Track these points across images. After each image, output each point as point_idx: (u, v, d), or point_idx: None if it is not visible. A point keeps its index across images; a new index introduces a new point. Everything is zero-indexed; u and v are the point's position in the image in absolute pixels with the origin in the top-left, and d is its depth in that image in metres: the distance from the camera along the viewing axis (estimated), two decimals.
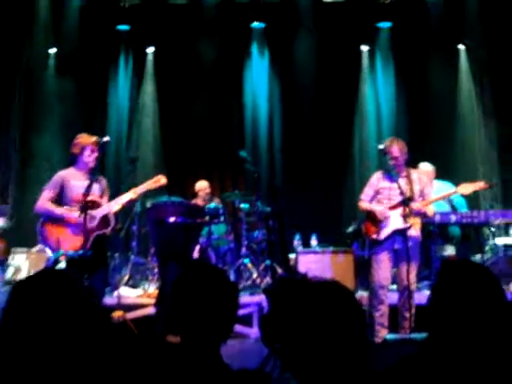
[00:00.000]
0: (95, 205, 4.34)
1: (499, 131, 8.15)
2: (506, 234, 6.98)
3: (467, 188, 4.67)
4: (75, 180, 4.42)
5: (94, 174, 4.42)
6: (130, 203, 4.70)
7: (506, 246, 6.46)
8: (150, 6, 8.16)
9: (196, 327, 1.61)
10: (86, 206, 4.12)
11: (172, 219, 3.64)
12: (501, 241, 6.59)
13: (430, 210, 4.66)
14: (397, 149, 4.61)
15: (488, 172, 7.98)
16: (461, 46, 8.57)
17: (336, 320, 1.37)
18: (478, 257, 6.24)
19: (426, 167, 6.16)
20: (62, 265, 4.05)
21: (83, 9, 7.96)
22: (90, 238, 4.24)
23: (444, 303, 1.57)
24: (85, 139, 4.44)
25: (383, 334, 4.48)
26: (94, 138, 4.43)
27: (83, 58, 8.03)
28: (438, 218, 5.82)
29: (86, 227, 4.07)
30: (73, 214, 4.29)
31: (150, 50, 8.65)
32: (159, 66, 8.57)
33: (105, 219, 4.36)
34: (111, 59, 8.55)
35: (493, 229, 6.48)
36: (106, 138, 4.52)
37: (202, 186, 6.95)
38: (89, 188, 4.20)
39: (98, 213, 4.32)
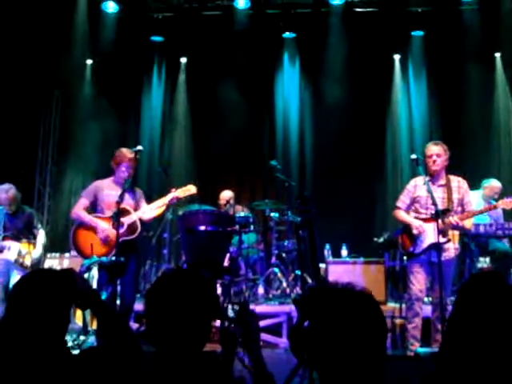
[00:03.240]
0: (125, 212, 4.46)
1: None
2: None
3: (508, 204, 4.56)
4: (109, 190, 4.63)
5: (128, 182, 4.55)
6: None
7: None
8: (183, 16, 8.32)
9: (170, 336, 1.54)
10: (119, 212, 4.25)
11: (203, 227, 3.67)
12: None
13: (469, 223, 4.47)
14: (441, 148, 4.47)
15: None
16: (497, 55, 8.42)
17: (361, 331, 1.35)
18: None
19: (495, 183, 6.06)
20: (95, 270, 4.14)
21: (119, 20, 8.16)
22: (116, 244, 4.37)
23: (464, 318, 1.54)
24: (123, 155, 4.61)
25: (416, 346, 4.40)
26: (132, 155, 4.57)
27: (118, 68, 8.23)
28: (477, 230, 5.68)
29: (118, 234, 4.19)
30: (99, 223, 4.49)
31: (183, 60, 8.81)
32: (192, 77, 8.72)
33: (132, 226, 4.51)
34: (145, 70, 8.74)
35: None
36: (139, 147, 4.65)
37: (225, 195, 6.90)
38: (122, 196, 4.33)
39: (126, 220, 4.45)
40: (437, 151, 4.48)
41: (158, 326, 1.55)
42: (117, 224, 4.22)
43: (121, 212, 4.31)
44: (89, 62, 8.65)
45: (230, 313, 2.63)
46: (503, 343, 1.46)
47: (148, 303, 1.59)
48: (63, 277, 1.74)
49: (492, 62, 8.43)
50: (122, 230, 4.37)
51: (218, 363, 1.66)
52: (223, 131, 8.10)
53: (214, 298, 1.64)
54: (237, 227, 4.83)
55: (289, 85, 8.75)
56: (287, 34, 8.51)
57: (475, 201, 5.41)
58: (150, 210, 4.63)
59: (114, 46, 7.99)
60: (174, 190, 4.69)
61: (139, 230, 4.53)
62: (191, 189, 4.74)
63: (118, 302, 4.33)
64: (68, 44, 7.84)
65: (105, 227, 4.47)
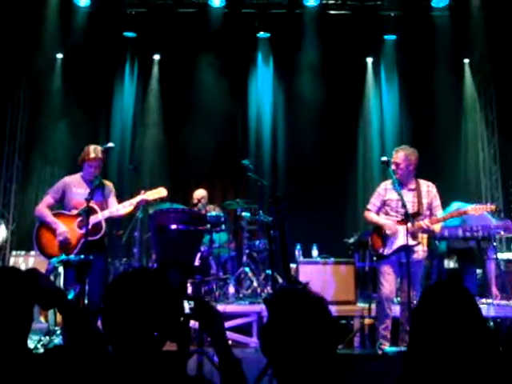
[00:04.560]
0: (92, 212, 4.38)
1: (502, 145, 8.17)
2: (508, 248, 6.98)
3: (478, 209, 4.67)
4: (77, 187, 4.56)
5: (96, 180, 4.50)
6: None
7: (509, 261, 6.46)
8: (157, 13, 8.22)
9: (126, 335, 1.52)
10: (88, 211, 4.20)
11: (174, 226, 3.63)
12: (503, 255, 6.59)
13: (438, 227, 4.56)
14: (402, 155, 4.55)
15: (490, 185, 7.98)
16: (466, 61, 8.61)
17: (322, 332, 1.40)
18: (479, 271, 6.22)
19: None
20: (61, 269, 4.06)
21: (91, 15, 8.01)
22: (79, 243, 4.37)
23: (423, 321, 1.63)
24: (92, 151, 4.52)
25: (385, 346, 4.47)
26: (101, 152, 4.47)
27: (90, 63, 8.08)
28: (445, 233, 5.80)
29: (88, 232, 4.13)
30: (59, 225, 4.42)
31: (156, 57, 8.71)
32: (165, 74, 8.63)
33: (97, 226, 4.43)
34: (117, 65, 8.61)
35: (495, 243, 6.46)
36: (110, 144, 4.59)
37: (198, 194, 6.87)
38: (91, 194, 4.27)
39: (91, 220, 4.37)
40: (396, 159, 4.56)
41: (114, 324, 1.53)
42: (86, 222, 4.15)
43: (89, 211, 4.25)
44: (59, 56, 8.47)
45: (186, 308, 2.61)
46: (459, 344, 1.54)
47: (105, 301, 1.57)
48: (25, 276, 1.69)
49: (461, 67, 8.62)
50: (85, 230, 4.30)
51: (174, 362, 1.64)
52: (196, 130, 8.05)
53: (174, 298, 1.62)
54: (208, 226, 4.81)
55: (262, 84, 8.76)
56: (262, 34, 8.52)
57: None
58: (117, 211, 4.56)
59: (85, 40, 7.83)
60: (143, 192, 4.62)
61: (103, 230, 4.46)
62: (161, 192, 4.65)
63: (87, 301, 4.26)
64: (38, 37, 7.66)
65: (63, 230, 4.39)
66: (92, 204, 4.37)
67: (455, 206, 5.43)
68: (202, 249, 5.83)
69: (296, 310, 1.42)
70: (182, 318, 1.94)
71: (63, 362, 1.56)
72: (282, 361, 1.40)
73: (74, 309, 1.83)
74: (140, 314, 1.52)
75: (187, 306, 2.66)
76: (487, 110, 8.45)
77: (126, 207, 4.57)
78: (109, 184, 4.75)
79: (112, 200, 4.65)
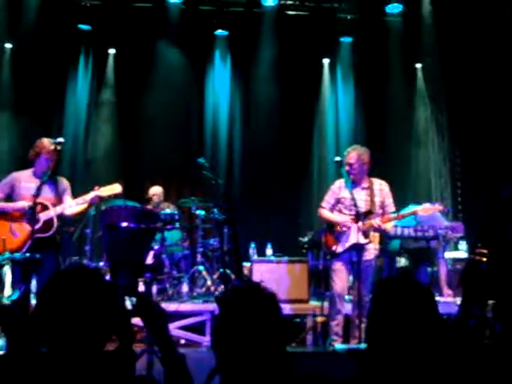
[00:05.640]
0: (43, 207, 4.26)
1: (451, 148, 8.46)
2: (456, 247, 7.23)
3: (427, 209, 4.80)
4: (27, 182, 4.42)
5: (46, 175, 4.36)
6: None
7: (455, 260, 6.70)
8: (113, 6, 8.04)
9: (60, 336, 1.47)
10: (35, 206, 4.08)
11: (125, 224, 3.56)
12: (450, 254, 6.83)
13: (389, 226, 4.67)
14: (354, 155, 4.63)
15: (440, 186, 8.24)
16: (418, 65, 8.86)
17: (270, 330, 1.41)
18: (429, 269, 6.41)
19: None
20: (7, 267, 3.91)
21: (43, 4, 7.74)
22: (29, 240, 4.19)
23: (381, 317, 1.63)
24: (43, 146, 4.41)
25: (338, 342, 4.54)
26: (52, 146, 4.37)
27: (42, 55, 7.81)
28: (397, 232, 5.94)
29: (34, 229, 4.02)
30: (15, 204, 4.29)
31: (112, 51, 8.51)
32: (120, 69, 8.43)
33: (48, 223, 4.32)
34: (71, 58, 8.36)
35: (443, 242, 6.68)
36: (61, 139, 4.45)
37: (155, 191, 6.81)
38: (39, 189, 4.13)
39: (42, 216, 4.26)
40: (349, 160, 4.64)
41: (50, 325, 1.48)
42: (33, 219, 4.02)
43: (38, 206, 4.12)
44: (8, 46, 8.15)
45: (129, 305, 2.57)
46: (416, 337, 1.56)
47: (39, 301, 1.52)
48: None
49: (414, 71, 8.87)
50: (37, 226, 4.17)
51: (118, 362, 1.61)
52: (151, 126, 7.94)
53: (112, 295, 1.57)
54: (160, 224, 4.74)
55: (219, 83, 8.72)
56: (219, 32, 8.48)
57: None
58: (70, 207, 4.44)
59: (37, 31, 7.58)
60: (97, 188, 4.51)
61: (55, 227, 4.34)
62: (116, 188, 4.56)
63: (34, 301, 4.13)
64: None
65: (22, 204, 4.27)
66: (43, 200, 4.25)
67: (412, 209, 5.57)
68: (155, 247, 5.77)
69: (246, 307, 1.42)
70: (123, 315, 1.89)
71: (5, 371, 1.50)
72: (231, 357, 1.40)
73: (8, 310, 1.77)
74: (76, 313, 1.48)
75: (129, 303, 2.62)
76: (438, 114, 8.71)
77: (78, 204, 4.46)
78: (64, 181, 4.62)
79: (67, 197, 4.52)
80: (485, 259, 4.31)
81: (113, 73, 8.47)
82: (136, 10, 8.08)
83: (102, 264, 6.34)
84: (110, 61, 8.50)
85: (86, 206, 4.59)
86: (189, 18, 8.13)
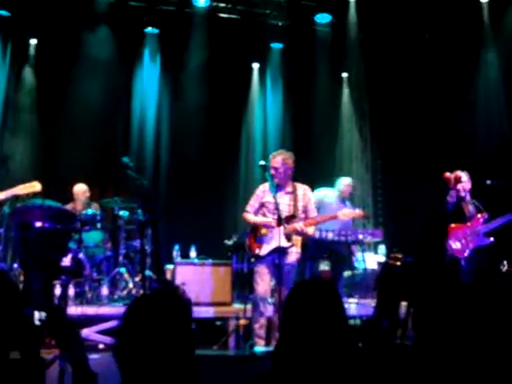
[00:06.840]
0: None
1: (373, 156, 8.81)
2: (375, 251, 7.52)
3: (347, 214, 4.96)
4: None
5: None
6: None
7: (374, 263, 6.98)
8: None
9: None
10: None
11: (39, 224, 3.40)
12: (369, 258, 7.10)
13: (311, 230, 4.79)
14: (280, 160, 4.70)
15: (362, 192, 8.55)
16: (344, 74, 9.16)
17: (176, 336, 1.40)
18: (349, 272, 6.61)
19: (345, 181, 6.42)
20: None
21: None
22: None
23: (292, 317, 1.68)
24: None
25: (261, 344, 4.58)
26: None
27: None
28: (318, 236, 6.08)
29: None
30: None
31: (33, 42, 8.08)
32: (41, 61, 8.01)
33: None
34: None
35: (363, 246, 6.93)
36: None
37: (80, 189, 6.59)
38: None
39: None
40: (274, 164, 4.72)
41: None
42: None
43: None
44: None
45: (42, 318, 2.45)
46: (323, 340, 1.61)
47: None
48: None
49: (340, 80, 9.15)
50: None
51: (26, 371, 1.53)
52: (74, 123, 7.63)
53: (10, 307, 1.49)
54: (78, 225, 4.57)
55: (148, 81, 8.55)
56: (150, 30, 8.32)
57: (333, 200, 5.88)
58: None
59: None
60: (16, 186, 4.28)
61: None
62: (35, 186, 4.37)
63: None
64: None
65: None
66: None
67: (319, 191, 5.85)
68: (73, 248, 5.55)
69: (149, 313, 1.39)
70: (23, 325, 1.80)
71: None
72: (134, 363, 1.37)
73: None
74: None
75: (37, 316, 2.49)
76: (362, 123, 9.04)
77: None
78: None
79: None
80: (399, 263, 4.51)
81: (33, 64, 8.04)
82: (60, 1, 7.71)
83: (15, 266, 6.03)
84: (31, 51, 8.06)
85: None
86: (118, 12, 7.90)
